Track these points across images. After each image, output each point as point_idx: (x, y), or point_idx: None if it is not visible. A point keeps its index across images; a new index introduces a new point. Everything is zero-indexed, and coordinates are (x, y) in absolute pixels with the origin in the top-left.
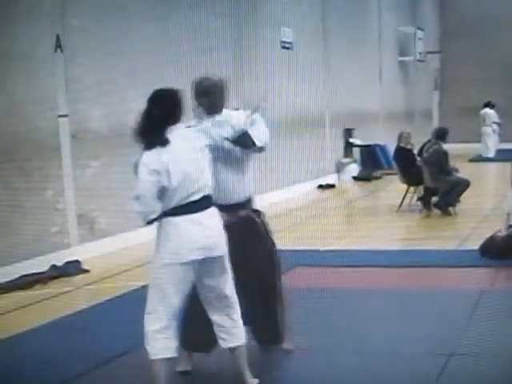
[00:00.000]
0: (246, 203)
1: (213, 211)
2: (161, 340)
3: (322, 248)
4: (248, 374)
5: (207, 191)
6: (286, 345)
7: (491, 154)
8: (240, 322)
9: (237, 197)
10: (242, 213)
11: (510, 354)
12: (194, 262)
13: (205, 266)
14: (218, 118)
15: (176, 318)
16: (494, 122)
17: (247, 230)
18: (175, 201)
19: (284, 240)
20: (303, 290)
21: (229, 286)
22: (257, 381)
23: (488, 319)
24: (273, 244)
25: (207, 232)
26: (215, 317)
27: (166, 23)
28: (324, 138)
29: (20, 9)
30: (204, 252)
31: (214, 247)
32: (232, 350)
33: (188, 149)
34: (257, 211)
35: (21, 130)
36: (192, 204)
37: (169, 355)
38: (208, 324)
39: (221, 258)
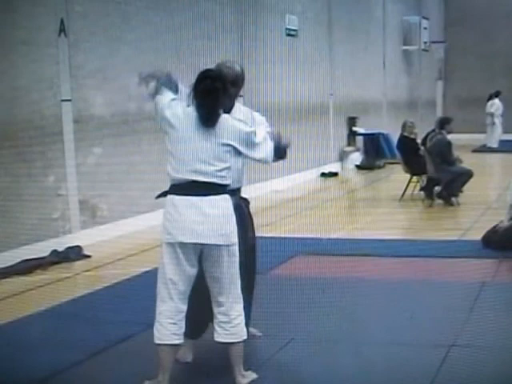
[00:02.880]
0: (238, 190)
1: (217, 200)
2: (166, 325)
3: (323, 236)
4: (238, 371)
5: (214, 179)
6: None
7: (496, 145)
8: (238, 320)
9: (233, 183)
10: (233, 200)
11: (511, 346)
12: (192, 246)
13: (206, 253)
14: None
15: (184, 303)
16: (495, 113)
17: (237, 218)
18: (179, 176)
19: (286, 228)
20: (304, 278)
21: (230, 281)
22: (247, 381)
23: (489, 311)
24: (254, 236)
25: (203, 218)
26: (215, 309)
27: (169, 10)
28: (327, 126)
29: None
30: (196, 237)
31: (208, 235)
32: (227, 344)
33: (207, 134)
34: (245, 200)
35: (23, 115)
36: (194, 186)
37: (173, 342)
38: (211, 312)
39: (218, 248)
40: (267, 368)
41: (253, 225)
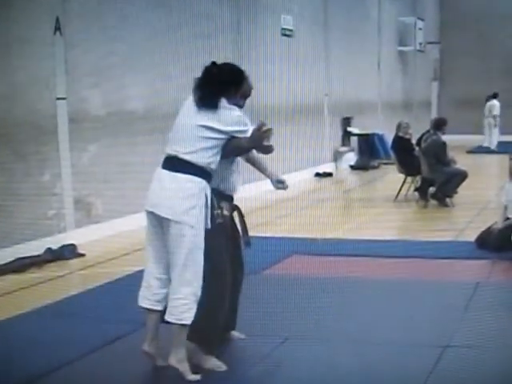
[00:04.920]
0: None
1: (179, 176)
2: (142, 288)
3: (318, 236)
4: (174, 352)
5: (182, 154)
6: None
7: (493, 146)
8: (178, 302)
9: (235, 189)
10: (233, 205)
11: (505, 346)
12: (153, 215)
13: (164, 226)
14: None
15: (157, 268)
16: (495, 115)
17: (234, 222)
18: (166, 150)
19: (280, 228)
20: (298, 278)
21: (180, 262)
22: (176, 363)
23: (483, 311)
24: (238, 242)
25: (158, 190)
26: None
27: (166, 8)
28: (322, 127)
29: None
30: (151, 206)
31: (158, 206)
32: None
33: (196, 115)
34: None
35: (18, 113)
36: (167, 159)
37: (143, 305)
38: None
39: (168, 222)
40: (262, 367)
41: (238, 232)
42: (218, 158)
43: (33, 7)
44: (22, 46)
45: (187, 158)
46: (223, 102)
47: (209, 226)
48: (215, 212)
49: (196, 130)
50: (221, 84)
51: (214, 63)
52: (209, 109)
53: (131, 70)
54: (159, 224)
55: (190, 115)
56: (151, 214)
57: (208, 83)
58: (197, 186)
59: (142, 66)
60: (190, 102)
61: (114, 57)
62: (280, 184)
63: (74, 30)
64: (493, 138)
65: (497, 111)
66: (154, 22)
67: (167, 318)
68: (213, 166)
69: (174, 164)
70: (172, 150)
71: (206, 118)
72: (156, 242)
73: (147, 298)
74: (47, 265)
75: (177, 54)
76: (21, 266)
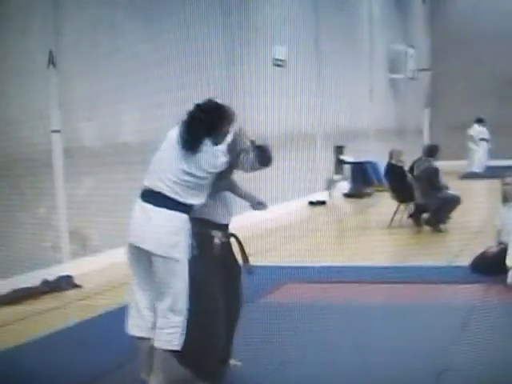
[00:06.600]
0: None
1: (165, 213)
2: (130, 316)
3: (313, 264)
4: (155, 374)
5: (166, 191)
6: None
7: (475, 169)
8: (168, 330)
9: (229, 217)
10: (228, 233)
11: (501, 369)
12: (137, 248)
13: (152, 259)
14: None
15: (144, 297)
16: (483, 139)
17: (230, 250)
18: (146, 184)
19: (275, 256)
20: (294, 306)
21: (171, 294)
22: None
23: (479, 334)
24: (235, 270)
25: (144, 224)
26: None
27: (157, 40)
28: (315, 155)
29: (13, 25)
30: (136, 240)
31: (144, 240)
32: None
33: (179, 156)
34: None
35: (13, 146)
36: (151, 192)
37: (132, 333)
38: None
39: (155, 256)
40: None
41: (234, 260)
42: (203, 197)
43: (26, 41)
44: (15, 80)
45: (172, 196)
46: (207, 144)
47: (190, 255)
48: (189, 243)
49: (178, 173)
50: (207, 126)
51: (198, 105)
52: (191, 152)
53: (124, 102)
54: (144, 256)
55: (173, 153)
56: (136, 248)
57: (194, 127)
58: (182, 221)
59: (134, 99)
60: (173, 136)
61: (106, 89)
62: (259, 205)
63: (67, 63)
64: (474, 160)
65: (483, 135)
66: (146, 54)
67: (158, 344)
68: (196, 206)
69: (157, 199)
70: (155, 186)
71: (187, 162)
72: (141, 273)
73: (139, 326)
74: (44, 296)
75: (170, 87)
76: (17, 297)
